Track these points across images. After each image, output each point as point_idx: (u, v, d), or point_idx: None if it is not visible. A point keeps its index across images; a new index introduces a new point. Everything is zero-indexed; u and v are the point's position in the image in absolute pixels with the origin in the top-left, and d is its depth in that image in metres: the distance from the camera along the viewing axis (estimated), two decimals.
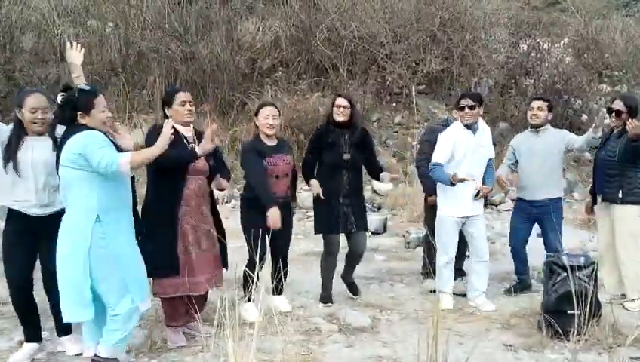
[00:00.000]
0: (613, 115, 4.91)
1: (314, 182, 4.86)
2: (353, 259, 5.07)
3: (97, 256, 3.28)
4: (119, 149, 3.45)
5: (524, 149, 5.18)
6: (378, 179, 5.12)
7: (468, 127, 4.80)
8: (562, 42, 12.44)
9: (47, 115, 3.68)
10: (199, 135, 4.09)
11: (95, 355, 3.44)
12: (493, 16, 11.89)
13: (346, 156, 4.85)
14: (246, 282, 4.40)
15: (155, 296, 4.02)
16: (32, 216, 3.67)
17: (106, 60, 11.50)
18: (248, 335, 2.92)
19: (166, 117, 4.03)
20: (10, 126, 3.74)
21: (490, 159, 4.96)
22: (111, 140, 3.44)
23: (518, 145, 5.27)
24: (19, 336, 4.12)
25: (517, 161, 5.28)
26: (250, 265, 4.41)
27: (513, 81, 11.94)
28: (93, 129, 3.36)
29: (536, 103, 5.18)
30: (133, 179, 3.65)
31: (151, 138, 3.82)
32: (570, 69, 11.67)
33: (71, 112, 3.38)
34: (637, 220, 4.81)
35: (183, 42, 11.44)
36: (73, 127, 3.37)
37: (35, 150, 3.66)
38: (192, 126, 4.11)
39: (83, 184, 3.29)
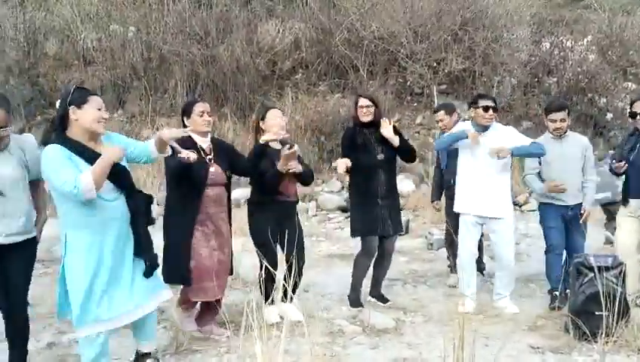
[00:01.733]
0: (638, 117, 4.82)
1: (340, 161, 4.79)
2: (384, 262, 5.04)
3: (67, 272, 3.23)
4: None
5: (552, 156, 4.96)
6: (413, 160, 5.19)
7: (481, 128, 4.77)
8: (586, 40, 12.26)
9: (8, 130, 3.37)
10: (217, 144, 4.23)
11: None
12: (515, 14, 11.77)
13: (380, 156, 4.83)
14: (265, 288, 4.47)
15: (185, 303, 4.15)
16: None
17: (129, 64, 11.63)
18: (275, 337, 2.91)
19: (185, 127, 4.09)
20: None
21: (533, 142, 4.81)
22: (89, 154, 3.20)
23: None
24: (48, 338, 4.19)
25: (539, 171, 5.10)
26: (267, 271, 4.36)
27: (536, 79, 11.81)
28: (68, 139, 3.19)
29: (558, 115, 4.96)
30: (132, 183, 3.47)
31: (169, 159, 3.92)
32: (594, 66, 11.52)
33: (63, 109, 3.21)
34: None
35: (204, 45, 11.53)
36: (54, 137, 3.22)
37: None
38: (209, 136, 4.21)
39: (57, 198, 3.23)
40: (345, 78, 11.54)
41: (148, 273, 3.43)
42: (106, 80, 11.37)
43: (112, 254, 3.28)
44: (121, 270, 3.34)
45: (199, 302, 4.27)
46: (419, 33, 11.37)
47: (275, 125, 4.50)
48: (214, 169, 4.08)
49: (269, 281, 4.43)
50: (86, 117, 3.21)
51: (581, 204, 4.98)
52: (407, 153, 5.01)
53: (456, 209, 4.95)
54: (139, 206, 3.41)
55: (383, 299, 5.04)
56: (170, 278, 3.98)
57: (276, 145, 4.46)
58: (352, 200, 5.07)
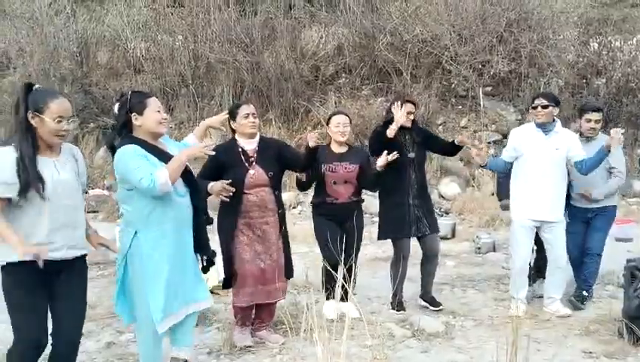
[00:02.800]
0: None
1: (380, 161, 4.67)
2: (430, 263, 5.02)
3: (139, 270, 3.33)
4: (170, 159, 3.32)
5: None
6: (456, 151, 5.16)
7: (540, 126, 4.74)
8: (635, 39, 11.94)
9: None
10: (265, 144, 4.21)
11: None
12: (561, 15, 11.56)
13: (411, 155, 4.85)
14: (326, 281, 4.63)
15: (240, 317, 4.19)
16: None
17: (177, 73, 11.93)
18: (329, 339, 2.97)
19: (232, 130, 4.19)
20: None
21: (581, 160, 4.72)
22: (158, 152, 3.34)
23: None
24: (107, 338, 4.35)
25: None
26: (326, 269, 4.54)
27: (584, 80, 11.58)
28: (138, 139, 3.31)
29: (594, 116, 4.95)
30: (197, 192, 3.56)
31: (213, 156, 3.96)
32: None
33: (124, 116, 3.33)
34: None
35: (249, 52, 11.73)
36: (122, 139, 3.35)
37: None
38: (257, 137, 4.19)
39: (125, 200, 3.38)
40: (388, 81, 11.56)
41: (205, 269, 3.65)
42: (155, 88, 11.66)
43: (181, 248, 3.44)
44: (186, 263, 3.49)
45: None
46: (463, 35, 11.30)
47: (334, 133, 4.72)
48: (254, 171, 4.05)
49: (329, 279, 4.57)
50: (149, 121, 3.33)
51: (606, 207, 4.97)
52: (457, 151, 5.11)
53: (513, 214, 4.88)
54: (201, 202, 3.59)
55: (435, 303, 4.98)
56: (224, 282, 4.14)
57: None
58: (381, 201, 4.99)
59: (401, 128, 4.83)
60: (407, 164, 4.83)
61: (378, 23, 11.78)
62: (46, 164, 2.85)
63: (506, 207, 5.49)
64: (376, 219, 5.25)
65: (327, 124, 4.80)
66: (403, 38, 11.49)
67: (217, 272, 5.17)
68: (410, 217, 4.83)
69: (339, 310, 4.60)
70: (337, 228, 4.63)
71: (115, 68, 12.55)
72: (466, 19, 11.33)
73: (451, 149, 5.14)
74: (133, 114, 3.31)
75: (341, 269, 4.52)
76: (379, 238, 5.06)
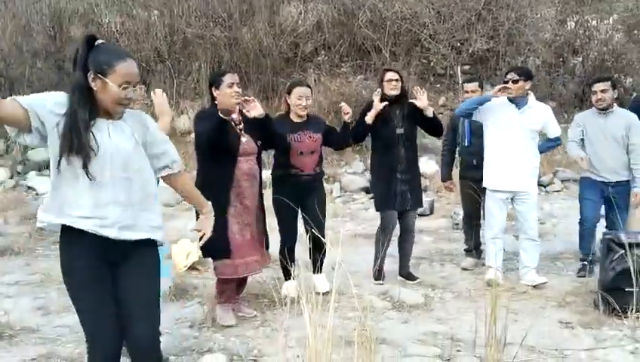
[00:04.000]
0: None
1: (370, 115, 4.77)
2: (404, 239, 5.12)
3: None
4: None
5: (594, 131, 5.01)
6: (435, 126, 5.05)
7: (512, 100, 4.80)
8: (611, 18, 12.08)
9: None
10: (245, 116, 4.09)
11: None
12: None
13: (399, 130, 4.86)
14: (282, 263, 4.62)
15: (223, 296, 4.14)
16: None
17: (152, 48, 11.72)
18: (313, 310, 2.99)
19: (213, 98, 4.04)
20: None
21: (555, 137, 4.92)
22: None
23: (586, 125, 5.07)
24: None
25: (583, 139, 5.10)
26: (283, 248, 4.63)
27: (561, 59, 11.69)
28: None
29: (599, 86, 4.99)
30: None
31: (199, 124, 3.94)
32: (619, 46, 11.36)
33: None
34: None
35: (227, 28, 11.58)
36: None
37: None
38: (237, 108, 4.07)
39: None
40: (367, 59, 11.53)
41: None
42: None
43: None
44: None
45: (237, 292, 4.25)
46: (442, 13, 11.30)
47: (295, 107, 4.58)
48: (246, 139, 4.02)
49: (285, 256, 4.59)
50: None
51: (624, 181, 4.98)
52: (437, 127, 5.03)
53: (486, 184, 4.97)
54: None
55: (411, 277, 5.09)
56: (208, 252, 4.00)
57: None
58: (372, 176, 5.16)
59: (391, 102, 4.84)
60: (396, 139, 4.86)
61: (357, 0, 11.71)
62: (98, 127, 2.37)
63: None
64: (356, 196, 5.37)
65: (288, 93, 4.65)
66: (382, 15, 11.45)
67: (198, 248, 5.16)
68: (395, 191, 4.88)
69: (310, 283, 4.53)
70: (297, 203, 4.52)
71: None
72: None
73: (430, 124, 5.04)
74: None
75: (304, 243, 4.56)
76: (376, 210, 5.13)
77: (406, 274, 5.12)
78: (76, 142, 2.29)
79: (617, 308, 4.02)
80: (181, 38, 11.77)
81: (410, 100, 4.90)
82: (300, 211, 4.60)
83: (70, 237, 2.41)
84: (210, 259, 4.25)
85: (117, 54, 2.41)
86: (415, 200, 5.00)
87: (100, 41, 2.40)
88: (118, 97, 2.37)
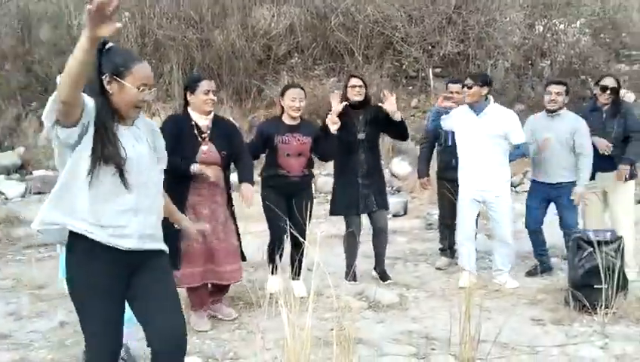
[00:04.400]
0: (608, 92, 5.03)
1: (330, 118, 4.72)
2: (377, 238, 5.15)
3: None
4: None
5: (541, 133, 5.09)
6: (401, 130, 5.07)
7: (470, 107, 4.86)
8: (579, 22, 12.34)
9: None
10: (219, 123, 4.09)
11: None
12: None
13: (361, 135, 4.89)
14: (269, 257, 4.69)
15: (196, 304, 4.09)
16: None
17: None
18: (290, 312, 3.00)
19: (186, 102, 4.02)
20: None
21: (520, 144, 4.88)
22: None
23: (534, 127, 5.18)
24: (59, 317, 4.26)
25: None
26: (271, 243, 4.70)
27: (529, 62, 11.91)
28: None
29: (554, 88, 5.09)
30: None
31: (166, 126, 3.89)
32: (587, 49, 11.62)
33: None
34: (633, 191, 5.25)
35: (199, 30, 11.53)
36: None
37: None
38: (211, 115, 4.04)
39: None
40: (340, 61, 11.60)
41: None
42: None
43: None
44: None
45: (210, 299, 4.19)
46: (413, 17, 11.42)
47: (288, 108, 4.64)
48: (207, 147, 3.93)
49: (273, 253, 4.63)
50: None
51: (568, 183, 5.05)
52: (403, 131, 5.07)
53: (460, 190, 5.01)
54: None
55: (385, 277, 5.12)
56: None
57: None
58: (334, 179, 5.19)
59: (353, 107, 4.89)
60: (357, 144, 4.90)
61: (330, 3, 11.78)
62: (120, 133, 2.32)
63: None
64: (330, 197, 5.38)
65: (282, 95, 4.71)
66: (355, 18, 11.52)
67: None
68: (358, 196, 4.92)
69: (288, 287, 4.53)
70: (284, 203, 4.62)
71: (58, 45, 12.09)
72: (416, 0, 11.44)
73: (397, 128, 5.06)
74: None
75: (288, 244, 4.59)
76: (330, 214, 5.20)
77: (381, 272, 5.15)
78: (108, 150, 2.23)
79: (587, 304, 4.12)
80: (152, 40, 11.68)
81: (379, 104, 4.92)
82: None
83: (82, 246, 2.29)
84: None
85: (132, 56, 2.38)
86: (380, 201, 5.02)
87: (110, 44, 2.33)
88: (135, 99, 2.31)
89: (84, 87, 2.13)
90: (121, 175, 2.26)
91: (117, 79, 2.28)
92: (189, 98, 4.01)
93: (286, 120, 4.69)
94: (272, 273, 4.70)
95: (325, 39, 11.73)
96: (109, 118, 2.27)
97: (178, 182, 3.79)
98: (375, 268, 5.20)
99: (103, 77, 2.27)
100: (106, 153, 2.23)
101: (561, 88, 5.10)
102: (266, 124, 4.82)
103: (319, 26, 11.82)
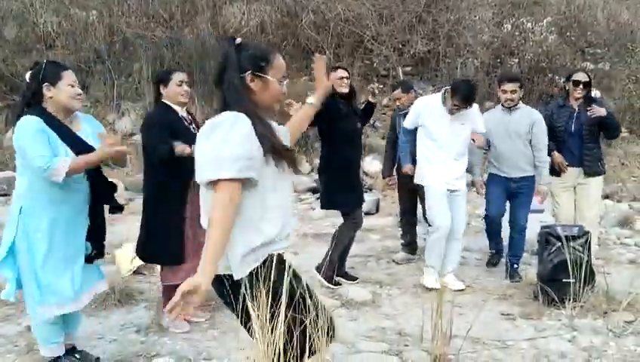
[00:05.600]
0: (581, 86, 5.11)
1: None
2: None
3: (19, 251, 3.09)
4: (77, 143, 3.12)
5: (497, 129, 5.07)
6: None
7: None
8: (545, 21, 12.54)
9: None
10: (192, 116, 4.03)
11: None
12: None
13: (359, 125, 4.93)
14: None
15: (164, 282, 4.00)
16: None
17: (91, 48, 11.41)
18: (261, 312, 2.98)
19: (159, 95, 3.92)
20: None
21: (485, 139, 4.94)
22: (64, 131, 3.09)
23: (490, 123, 5.08)
24: (27, 321, 4.17)
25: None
26: None
27: (498, 60, 12.05)
28: (46, 113, 3.06)
29: (509, 86, 5.01)
30: (100, 170, 3.32)
31: (150, 135, 3.83)
32: (553, 47, 11.79)
33: (38, 85, 3.06)
34: (601, 186, 5.35)
35: (169, 28, 11.40)
36: (32, 109, 3.07)
37: None
38: (185, 109, 3.97)
39: (21, 171, 3.11)
40: (312, 60, 11.55)
41: (90, 260, 3.33)
42: (69, 64, 11.09)
43: (75, 233, 3.22)
44: (78, 250, 3.27)
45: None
46: (384, 15, 11.47)
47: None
48: None
49: None
50: (62, 94, 3.09)
51: (528, 177, 5.07)
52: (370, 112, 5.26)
53: (428, 183, 4.86)
54: (102, 194, 3.33)
55: (351, 277, 5.06)
56: (160, 259, 3.95)
57: None
58: (331, 173, 4.80)
59: (343, 98, 4.80)
60: (358, 134, 4.90)
61: (300, 1, 11.76)
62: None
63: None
64: (303, 196, 5.39)
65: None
66: (325, 16, 11.52)
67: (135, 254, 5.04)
68: (361, 188, 5.00)
69: None
70: None
71: (24, 43, 11.84)
72: None
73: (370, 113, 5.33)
74: (46, 84, 3.07)
75: None
76: (332, 208, 4.97)
77: (344, 274, 5.06)
78: (279, 154, 2.16)
79: (556, 298, 4.20)
80: (121, 39, 11.51)
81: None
82: None
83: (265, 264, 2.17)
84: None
85: (268, 48, 2.29)
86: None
87: (239, 40, 2.23)
88: (279, 93, 2.24)
89: (226, 94, 2.12)
90: (296, 170, 2.26)
91: (260, 75, 2.19)
92: (162, 91, 3.90)
93: None
94: None
95: (296, 37, 11.71)
96: (261, 115, 2.17)
97: (176, 181, 3.74)
98: (337, 273, 5.00)
99: (246, 74, 2.17)
100: (274, 148, 2.15)
101: (515, 85, 5.05)
102: None
103: (290, 24, 11.79)
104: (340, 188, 4.77)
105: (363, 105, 5.32)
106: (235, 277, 2.14)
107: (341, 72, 4.91)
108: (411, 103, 5.30)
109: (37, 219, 3.09)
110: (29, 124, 2.99)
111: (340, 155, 4.77)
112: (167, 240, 3.85)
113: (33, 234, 3.09)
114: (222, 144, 2.04)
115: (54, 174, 2.95)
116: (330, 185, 4.82)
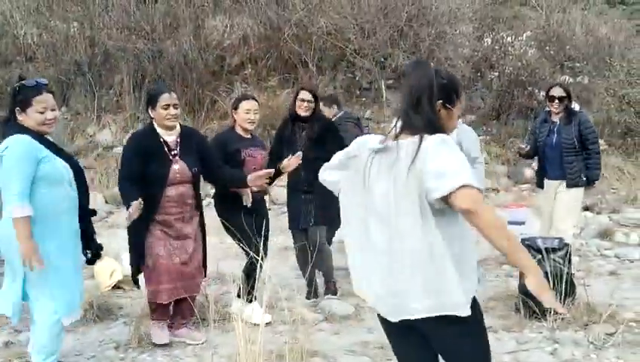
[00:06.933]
0: (556, 101, 5.19)
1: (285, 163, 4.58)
2: (313, 255, 4.86)
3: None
4: (64, 156, 3.34)
5: None
6: None
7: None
8: (525, 35, 12.71)
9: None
10: (187, 135, 3.97)
11: None
12: (457, 10, 12.08)
13: (299, 153, 4.60)
14: (247, 282, 4.34)
15: (156, 314, 3.98)
16: None
17: (72, 61, 11.32)
18: (243, 327, 2.96)
19: (150, 117, 3.92)
20: None
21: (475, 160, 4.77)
22: (48, 144, 3.25)
23: None
24: (4, 337, 4.09)
25: None
26: (251, 265, 4.24)
27: (479, 74, 12.18)
28: (27, 130, 3.17)
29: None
30: (82, 177, 3.47)
31: (130, 147, 3.87)
32: (533, 61, 11.94)
33: (12, 105, 3.23)
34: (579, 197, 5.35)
35: (150, 41, 11.36)
36: (9, 126, 3.21)
37: None
38: (177, 128, 3.92)
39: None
40: (294, 73, 11.60)
41: (92, 262, 3.63)
42: (49, 76, 10.97)
43: (74, 240, 3.40)
44: (78, 257, 3.45)
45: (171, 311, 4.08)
46: (366, 29, 11.53)
47: (243, 120, 4.47)
48: (178, 166, 3.82)
49: (251, 276, 4.25)
50: (30, 121, 3.20)
51: None
52: None
53: None
54: (86, 199, 3.50)
55: (317, 294, 5.00)
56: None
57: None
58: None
59: (300, 120, 4.82)
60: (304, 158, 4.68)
61: (283, 14, 11.78)
62: None
63: None
64: (285, 208, 5.38)
65: (236, 108, 4.54)
66: (308, 30, 11.56)
67: (122, 266, 5.01)
68: (300, 210, 4.92)
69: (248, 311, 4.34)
70: (252, 222, 4.35)
71: (3, 55, 11.73)
72: (368, 12, 11.57)
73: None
74: (17, 108, 3.21)
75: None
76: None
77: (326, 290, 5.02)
78: None
79: (537, 311, 4.21)
80: (102, 51, 11.43)
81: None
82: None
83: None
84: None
85: (459, 82, 2.32)
86: (318, 216, 4.86)
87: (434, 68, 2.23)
88: (454, 127, 2.33)
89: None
90: None
91: (448, 106, 2.21)
92: (150, 114, 3.89)
93: (241, 133, 4.54)
94: (251, 301, 4.45)
95: (279, 50, 11.72)
96: None
97: (146, 202, 3.68)
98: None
99: (438, 102, 2.17)
100: None
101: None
102: (227, 135, 4.60)
103: (272, 37, 11.80)
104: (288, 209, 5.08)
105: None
106: (465, 315, 2.12)
107: (304, 95, 4.83)
108: (334, 116, 5.46)
109: (50, 232, 3.20)
110: (23, 146, 3.12)
111: (288, 178, 4.98)
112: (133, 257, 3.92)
113: (48, 247, 3.19)
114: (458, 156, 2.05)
115: (14, 211, 3.04)
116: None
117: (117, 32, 11.37)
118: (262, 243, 4.13)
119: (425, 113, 2.12)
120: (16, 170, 3.05)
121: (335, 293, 4.96)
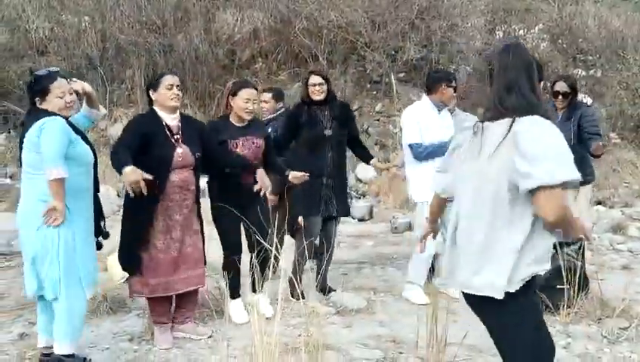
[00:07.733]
0: (560, 97, 5.03)
1: (294, 174, 4.38)
2: (325, 249, 4.80)
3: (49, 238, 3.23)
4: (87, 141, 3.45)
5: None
6: (366, 161, 4.99)
7: (435, 105, 4.66)
8: (537, 28, 12.63)
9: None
10: (187, 122, 3.90)
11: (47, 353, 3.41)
12: (469, 3, 12.02)
13: (328, 132, 4.57)
14: (229, 278, 4.18)
15: (132, 295, 3.92)
16: None
17: (84, 54, 11.39)
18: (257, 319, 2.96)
19: (150, 101, 3.83)
20: None
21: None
22: (74, 127, 3.37)
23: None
24: (18, 329, 4.13)
25: None
26: (227, 260, 4.24)
27: (490, 67, 12.09)
28: (53, 113, 3.27)
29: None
30: (96, 163, 3.54)
31: (135, 123, 3.83)
32: (545, 54, 11.87)
33: (32, 97, 3.37)
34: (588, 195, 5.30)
35: (162, 35, 11.39)
36: (35, 111, 3.31)
37: None
38: (178, 113, 3.85)
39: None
40: (305, 66, 11.59)
41: (100, 246, 3.69)
42: (61, 70, 11.07)
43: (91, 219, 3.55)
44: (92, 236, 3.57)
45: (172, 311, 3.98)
46: (377, 22, 11.50)
47: (241, 109, 4.20)
48: (182, 150, 3.72)
49: (230, 270, 4.16)
50: (51, 106, 3.33)
51: None
52: (362, 156, 5.04)
53: (420, 200, 4.62)
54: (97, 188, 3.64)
55: (328, 291, 4.82)
56: (123, 267, 3.81)
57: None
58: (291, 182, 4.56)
59: (316, 103, 4.61)
60: (323, 140, 4.58)
61: (294, 8, 11.77)
62: None
63: None
64: None
65: (234, 95, 4.22)
66: (318, 23, 11.54)
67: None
68: (321, 196, 4.60)
69: (253, 303, 4.20)
70: (238, 219, 4.10)
71: (15, 49, 11.81)
72: (379, 5, 11.54)
73: (363, 158, 5.03)
74: (37, 98, 3.35)
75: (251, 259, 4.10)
76: (292, 215, 4.69)
77: (323, 288, 4.83)
78: None
79: (550, 305, 4.18)
80: (114, 45, 11.49)
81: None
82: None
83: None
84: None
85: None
86: (342, 206, 4.72)
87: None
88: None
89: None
90: None
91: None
92: (152, 96, 3.80)
93: (235, 121, 4.25)
94: (234, 297, 4.30)
95: (289, 44, 11.73)
96: None
97: (149, 188, 3.54)
98: (316, 286, 4.82)
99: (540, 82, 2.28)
100: None
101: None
102: (218, 124, 4.36)
103: (283, 31, 11.81)
104: (294, 195, 4.69)
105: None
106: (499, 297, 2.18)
107: (314, 79, 4.63)
108: (277, 111, 5.21)
109: (77, 210, 3.35)
110: (60, 126, 3.23)
111: (299, 161, 4.56)
112: (128, 249, 3.80)
113: (76, 224, 3.35)
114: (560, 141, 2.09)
115: (51, 174, 3.17)
116: (289, 189, 4.69)
117: (128, 26, 11.42)
118: (262, 238, 3.86)
119: (522, 94, 2.13)
120: (55, 140, 3.19)
121: (328, 292, 4.82)
